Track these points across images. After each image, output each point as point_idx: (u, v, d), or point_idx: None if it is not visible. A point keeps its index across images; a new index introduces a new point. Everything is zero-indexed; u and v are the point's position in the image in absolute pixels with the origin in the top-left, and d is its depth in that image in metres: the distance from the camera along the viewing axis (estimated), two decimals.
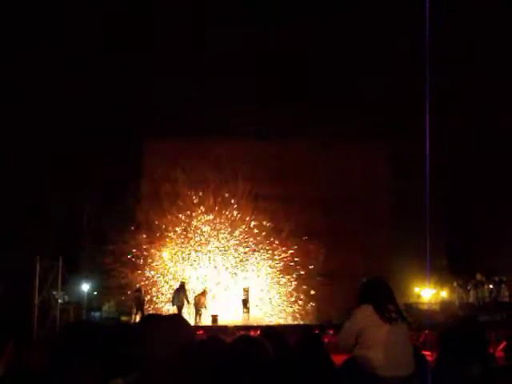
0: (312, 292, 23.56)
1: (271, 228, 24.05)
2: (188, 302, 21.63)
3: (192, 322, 20.58)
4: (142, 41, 20.89)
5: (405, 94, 20.92)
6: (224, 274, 23.80)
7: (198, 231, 24.02)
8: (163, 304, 23.21)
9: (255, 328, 15.39)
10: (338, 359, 5.15)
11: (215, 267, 23.79)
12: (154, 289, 23.63)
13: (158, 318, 3.13)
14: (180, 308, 21.14)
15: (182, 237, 23.96)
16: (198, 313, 21.73)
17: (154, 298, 23.54)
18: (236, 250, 23.98)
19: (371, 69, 21.50)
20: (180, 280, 22.56)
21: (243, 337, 3.35)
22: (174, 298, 21.60)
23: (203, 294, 22.18)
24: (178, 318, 3.25)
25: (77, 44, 20.56)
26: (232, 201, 24.12)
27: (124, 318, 21.83)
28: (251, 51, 21.03)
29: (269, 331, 5.07)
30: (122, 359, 3.13)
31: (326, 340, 12.81)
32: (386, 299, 5.00)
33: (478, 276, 22.40)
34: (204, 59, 21.28)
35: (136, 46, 20.89)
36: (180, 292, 21.54)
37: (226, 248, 23.97)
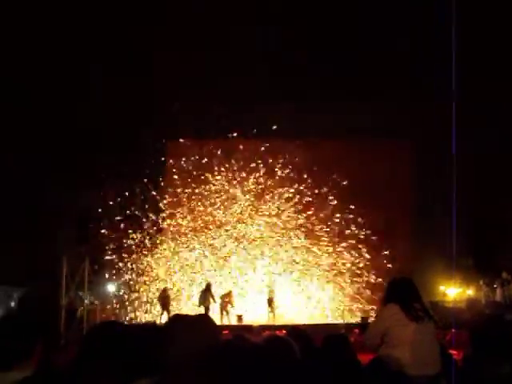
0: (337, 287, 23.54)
1: (298, 226, 24.05)
2: (214, 301, 21.76)
3: (218, 322, 20.74)
4: (163, 41, 20.96)
5: (430, 91, 20.81)
6: (253, 275, 23.82)
7: (227, 231, 24.05)
8: (190, 304, 23.24)
9: (281, 328, 15.37)
10: (365, 358, 5.15)
11: (252, 273, 23.86)
12: (181, 289, 23.71)
13: (184, 319, 3.16)
14: (207, 308, 21.25)
15: (209, 237, 24.01)
16: (223, 313, 21.88)
17: (180, 298, 23.61)
18: (265, 248, 23.97)
19: (396, 65, 21.37)
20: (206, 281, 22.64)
21: (271, 336, 3.37)
22: (200, 298, 21.71)
23: (229, 294, 22.29)
24: (204, 318, 3.28)
25: (94, 43, 20.69)
26: (256, 200, 24.18)
27: (149, 319, 22.03)
28: (268, 50, 21.02)
29: (295, 331, 5.08)
30: (147, 360, 3.17)
31: (352, 339, 12.77)
32: (412, 298, 5.00)
33: (504, 274, 22.18)
34: (227, 59, 21.27)
35: (158, 47, 20.98)
36: (206, 293, 21.65)
37: (255, 247, 23.97)
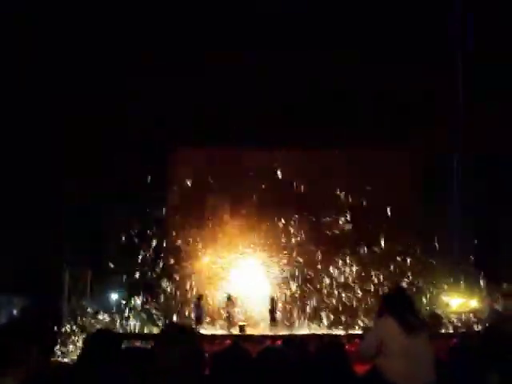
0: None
1: (301, 239, 23.95)
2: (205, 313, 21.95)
3: (224, 331, 20.84)
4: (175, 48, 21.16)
5: (430, 99, 20.88)
6: (260, 285, 23.73)
7: (231, 242, 23.94)
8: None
9: (281, 337, 15.37)
10: (363, 369, 5.20)
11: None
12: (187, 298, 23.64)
13: (171, 329, 3.24)
14: (199, 318, 21.43)
15: (214, 247, 23.92)
16: (228, 320, 21.83)
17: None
18: (275, 262, 23.87)
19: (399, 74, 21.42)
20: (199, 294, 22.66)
21: (264, 349, 3.44)
22: (194, 309, 21.92)
23: (229, 299, 22.26)
24: (189, 328, 3.36)
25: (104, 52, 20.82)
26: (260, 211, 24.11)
27: (153, 329, 22.09)
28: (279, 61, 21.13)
29: (291, 341, 5.14)
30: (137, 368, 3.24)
31: (353, 349, 12.77)
32: (406, 309, 5.06)
33: (505, 285, 22.11)
34: (236, 66, 21.31)
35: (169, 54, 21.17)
36: (199, 304, 21.82)
37: (264, 261, 23.86)
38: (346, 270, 23.52)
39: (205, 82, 21.07)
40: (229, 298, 22.34)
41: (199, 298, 22.03)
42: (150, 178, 22.36)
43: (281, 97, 21.33)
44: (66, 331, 19.01)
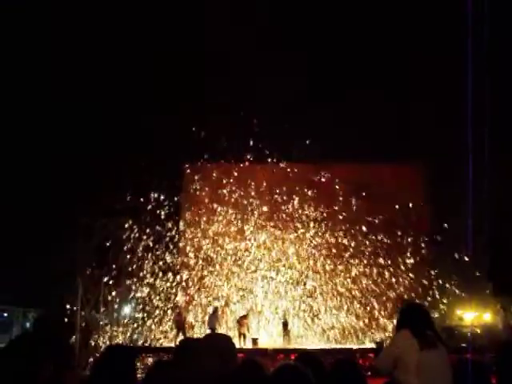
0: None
1: (311, 249, 23.87)
2: (220, 324, 21.84)
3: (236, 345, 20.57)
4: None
5: (441, 115, 20.81)
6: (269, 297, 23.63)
7: (244, 256, 23.89)
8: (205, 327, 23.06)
9: (294, 351, 15.28)
10: (378, 383, 5.15)
11: (265, 292, 23.68)
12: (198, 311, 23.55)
13: (191, 344, 3.20)
14: (213, 330, 21.19)
15: (228, 261, 23.86)
16: (240, 336, 21.64)
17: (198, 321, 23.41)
18: (285, 273, 23.80)
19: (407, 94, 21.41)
20: (213, 305, 22.61)
21: (285, 365, 3.40)
22: (208, 321, 21.79)
23: (245, 317, 22.11)
24: (212, 339, 3.33)
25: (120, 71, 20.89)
26: (271, 224, 24.06)
27: (165, 341, 22.03)
28: (292, 77, 21.15)
29: (306, 356, 5.08)
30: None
31: (367, 364, 12.69)
32: (423, 324, 5.01)
33: None
34: (245, 83, 21.33)
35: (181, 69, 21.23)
36: (213, 316, 21.69)
37: (276, 271, 23.78)
38: (360, 285, 23.39)
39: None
40: (246, 316, 22.25)
41: (215, 309, 22.02)
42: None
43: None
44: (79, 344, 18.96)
